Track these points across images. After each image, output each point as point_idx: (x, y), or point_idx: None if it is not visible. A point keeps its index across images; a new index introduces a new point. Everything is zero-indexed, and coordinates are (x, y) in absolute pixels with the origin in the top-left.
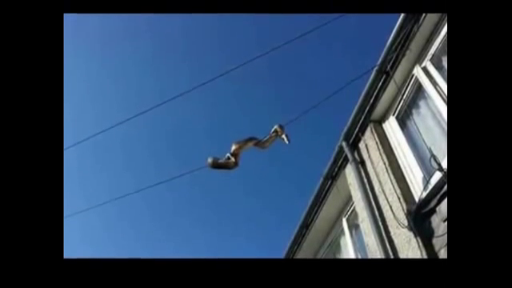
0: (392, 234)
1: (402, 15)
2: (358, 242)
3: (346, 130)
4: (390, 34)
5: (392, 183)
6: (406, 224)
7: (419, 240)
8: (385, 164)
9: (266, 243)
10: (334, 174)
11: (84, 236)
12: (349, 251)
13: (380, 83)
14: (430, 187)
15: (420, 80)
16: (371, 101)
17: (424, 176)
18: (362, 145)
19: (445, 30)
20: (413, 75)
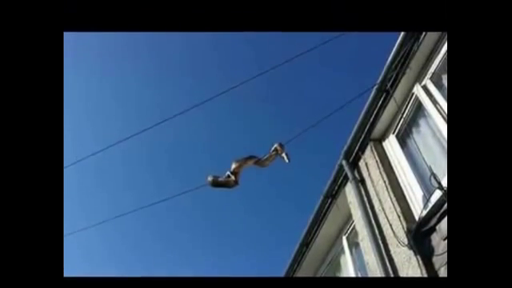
0: (392, 252)
1: (402, 34)
2: (358, 261)
3: (346, 148)
4: (390, 53)
5: (392, 201)
6: (406, 242)
7: (419, 258)
8: (385, 182)
9: (266, 261)
10: (334, 193)
11: (84, 254)
12: (349, 270)
13: (380, 102)
14: (430, 205)
15: (420, 98)
16: (371, 119)
17: (424, 194)
18: (362, 163)
19: (445, 48)
20: (413, 94)
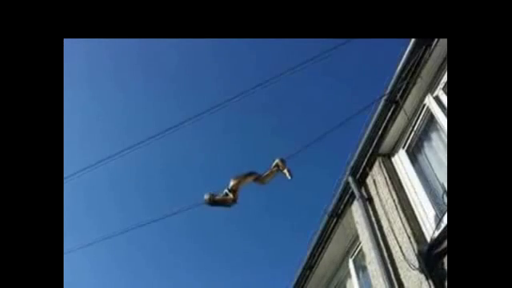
0: (402, 276)
1: (413, 41)
2: (366, 286)
3: (352, 164)
4: (399, 61)
5: (402, 222)
6: (417, 265)
7: (431, 283)
8: (394, 201)
9: (267, 286)
10: (339, 212)
11: (73, 277)
12: None
13: (389, 114)
14: (443, 226)
15: (432, 110)
16: (379, 132)
17: (436, 214)
18: (369, 180)
19: None
20: (424, 105)
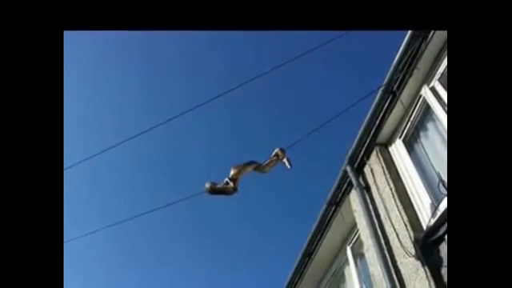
0: (399, 263)
1: (410, 32)
2: (363, 272)
3: (350, 153)
4: (396, 53)
5: (399, 210)
6: (414, 253)
7: (427, 270)
8: (391, 190)
9: (266, 273)
10: (337, 200)
11: (75, 265)
12: (353, 282)
13: (386, 104)
14: (439, 214)
15: (428, 101)
16: (377, 123)
17: (432, 202)
18: (367, 169)
19: None
20: (420, 96)
